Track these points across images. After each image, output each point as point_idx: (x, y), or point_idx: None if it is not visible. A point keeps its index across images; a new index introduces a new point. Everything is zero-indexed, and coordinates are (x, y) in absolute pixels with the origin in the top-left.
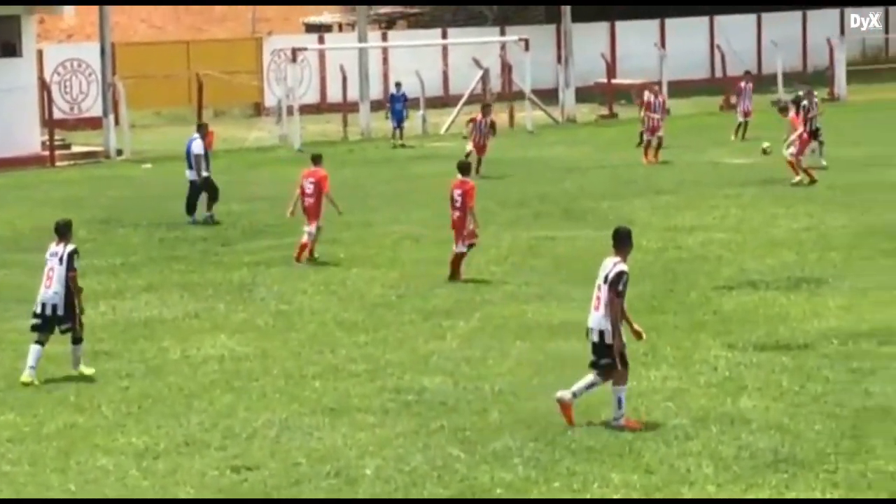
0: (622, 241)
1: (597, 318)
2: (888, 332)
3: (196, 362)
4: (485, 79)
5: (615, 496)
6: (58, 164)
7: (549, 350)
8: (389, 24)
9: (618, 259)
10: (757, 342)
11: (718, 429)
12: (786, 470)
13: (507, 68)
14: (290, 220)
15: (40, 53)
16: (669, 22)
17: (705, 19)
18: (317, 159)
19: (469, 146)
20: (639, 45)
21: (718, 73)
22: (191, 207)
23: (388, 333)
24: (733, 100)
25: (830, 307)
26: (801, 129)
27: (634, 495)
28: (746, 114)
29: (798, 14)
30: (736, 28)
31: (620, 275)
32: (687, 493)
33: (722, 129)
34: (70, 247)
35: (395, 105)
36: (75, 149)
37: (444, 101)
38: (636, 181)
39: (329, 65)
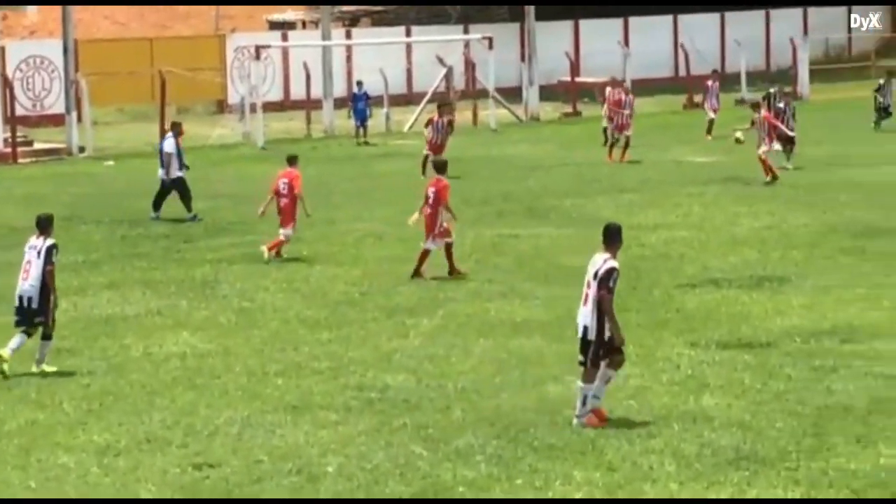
0: (612, 238)
1: (583, 313)
2: (850, 331)
3: (158, 359)
4: (448, 77)
5: (577, 494)
6: (20, 161)
7: (511, 348)
8: (353, 21)
9: (608, 255)
10: (719, 340)
11: (681, 426)
12: (747, 467)
13: (470, 66)
14: (257, 218)
15: (3, 50)
16: (633, 21)
17: (669, 18)
18: (292, 160)
19: (426, 150)
20: (602, 44)
21: (682, 72)
22: (157, 204)
23: (351, 331)
24: (697, 98)
25: (793, 305)
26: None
27: (597, 493)
28: (713, 111)
29: (761, 13)
30: (699, 27)
31: (611, 271)
32: (649, 491)
33: (685, 127)
34: (49, 241)
35: (357, 104)
36: (38, 146)
37: (407, 99)
38: (600, 179)
39: (293, 62)
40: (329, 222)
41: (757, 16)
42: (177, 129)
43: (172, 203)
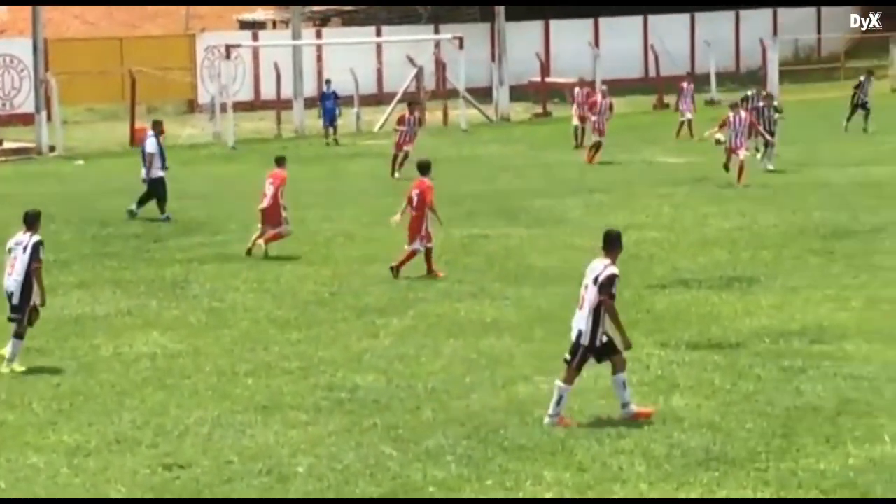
0: (612, 244)
1: (579, 317)
2: (818, 331)
3: (128, 360)
4: (419, 77)
5: (547, 494)
6: None
7: (481, 348)
8: (324, 21)
9: (608, 261)
10: (689, 341)
11: (650, 427)
12: (717, 468)
13: (440, 66)
14: (223, 217)
15: None
16: (603, 21)
17: (639, 19)
18: (280, 161)
19: (394, 149)
20: (573, 45)
21: (652, 73)
22: (142, 201)
23: (321, 331)
24: (667, 99)
25: (762, 306)
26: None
27: (567, 493)
28: (684, 112)
29: (731, 14)
30: (669, 28)
31: (612, 277)
32: (619, 492)
33: (656, 127)
34: (36, 237)
35: (326, 103)
36: (7, 145)
37: (378, 99)
38: (570, 180)
39: (263, 62)
40: (299, 222)
41: (727, 17)
42: (158, 129)
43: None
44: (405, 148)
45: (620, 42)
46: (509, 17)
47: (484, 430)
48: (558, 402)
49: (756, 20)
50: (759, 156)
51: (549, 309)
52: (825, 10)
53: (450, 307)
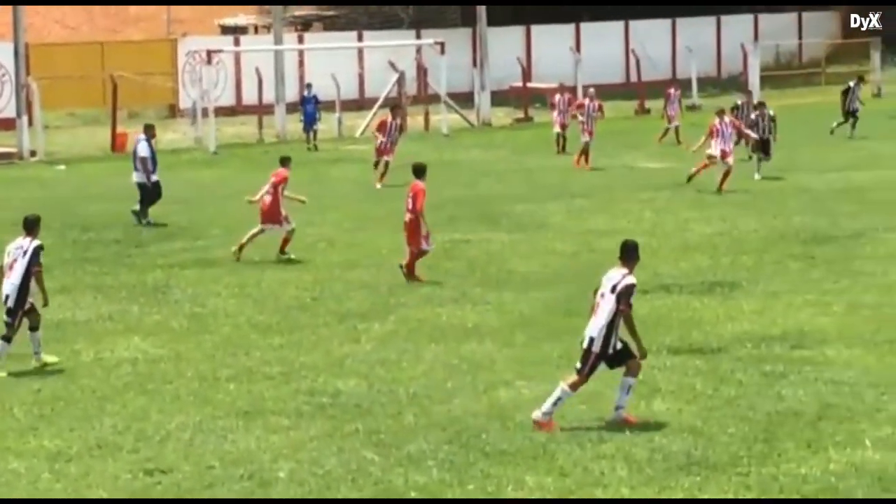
0: (629, 254)
1: (592, 325)
2: (800, 336)
3: (109, 365)
4: (400, 82)
5: (529, 499)
6: None
7: (463, 353)
8: (305, 26)
9: (626, 271)
10: (671, 346)
11: (632, 431)
12: (699, 473)
13: (422, 71)
14: (205, 222)
15: None
16: (585, 27)
17: (620, 24)
18: (284, 160)
19: (375, 157)
20: (554, 50)
21: (633, 78)
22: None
23: (302, 336)
24: (648, 104)
25: (743, 311)
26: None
27: (549, 498)
28: (671, 119)
29: (712, 20)
30: (651, 33)
31: (631, 287)
32: (600, 496)
33: (637, 133)
34: (36, 242)
35: (307, 107)
36: None
37: (359, 104)
38: (551, 185)
39: (244, 67)
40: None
41: (708, 22)
42: (150, 133)
43: (127, 206)
44: (385, 158)
45: (602, 47)
46: (491, 23)
47: (465, 434)
48: (555, 403)
49: (737, 25)
50: (755, 162)
51: (531, 314)
52: (806, 15)
53: (431, 312)
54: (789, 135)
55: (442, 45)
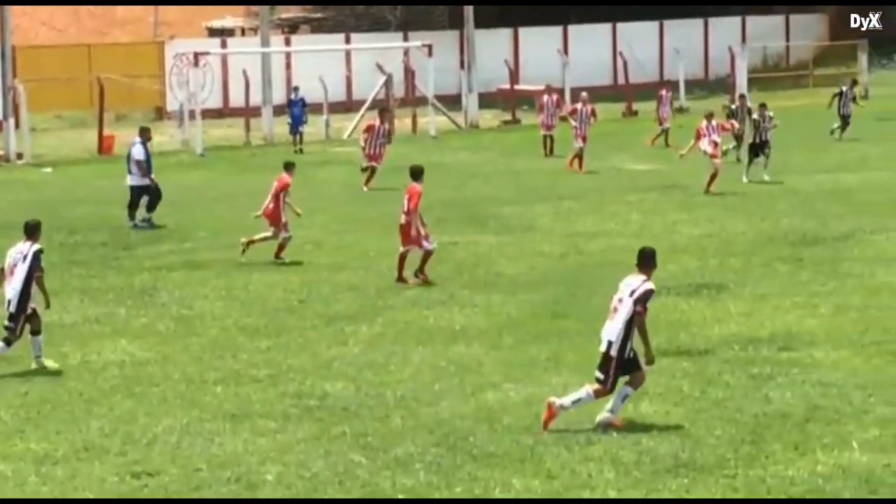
0: (647, 261)
1: (609, 328)
2: (787, 338)
3: (96, 368)
4: (388, 84)
5: (517, 500)
6: None
7: (450, 355)
8: (292, 28)
9: (644, 277)
10: (658, 347)
11: (619, 434)
12: (686, 475)
13: (409, 73)
14: (192, 225)
15: None
16: (572, 29)
17: (608, 26)
18: (287, 166)
19: (364, 162)
20: (542, 52)
21: (621, 80)
22: (150, 207)
23: (290, 339)
24: (635, 106)
25: (731, 313)
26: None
27: (536, 499)
28: (663, 121)
29: (700, 22)
30: (638, 35)
31: (649, 292)
32: (588, 498)
33: (625, 135)
34: (36, 246)
35: (293, 109)
36: None
37: (347, 107)
38: (539, 187)
39: (232, 69)
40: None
41: (696, 24)
42: (146, 135)
43: (114, 209)
44: (372, 163)
45: (589, 49)
46: (478, 25)
47: (453, 437)
48: (575, 402)
49: (725, 28)
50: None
51: (518, 316)
52: (794, 17)
53: (419, 314)
54: (777, 137)
55: (429, 47)
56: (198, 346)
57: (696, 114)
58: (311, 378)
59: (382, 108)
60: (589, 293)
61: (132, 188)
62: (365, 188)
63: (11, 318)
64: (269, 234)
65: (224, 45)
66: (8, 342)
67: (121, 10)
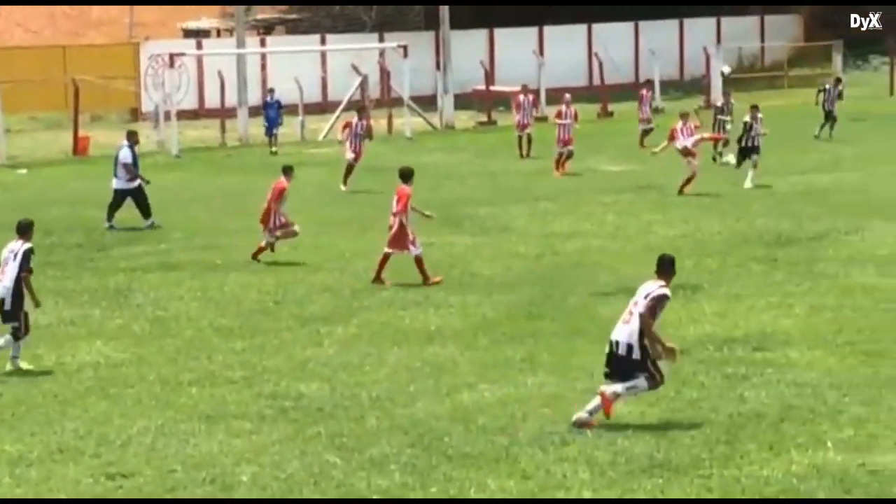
0: (666, 268)
1: (622, 330)
2: (762, 338)
3: (71, 369)
4: (363, 85)
5: (492, 500)
6: None
7: (425, 356)
8: (268, 30)
9: (662, 283)
10: None
11: (595, 434)
12: (661, 475)
13: (385, 75)
14: (167, 226)
15: None
16: (548, 30)
17: (583, 27)
18: (285, 170)
19: (349, 154)
20: (517, 53)
21: (596, 81)
22: (146, 212)
23: (265, 340)
24: (610, 107)
25: (706, 313)
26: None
27: (511, 499)
28: (648, 121)
29: (675, 23)
30: (614, 36)
31: (664, 297)
32: (563, 498)
33: (600, 135)
34: (27, 245)
35: (269, 112)
36: None
37: (322, 108)
38: (515, 188)
39: (207, 70)
40: (243, 231)
41: (671, 25)
42: (133, 139)
43: (89, 210)
44: (349, 157)
45: (565, 50)
46: (454, 26)
47: (428, 438)
48: (630, 388)
49: (700, 29)
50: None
51: (494, 317)
52: (769, 18)
53: (394, 315)
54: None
55: (405, 48)
56: (173, 348)
57: (672, 114)
58: (286, 379)
59: (360, 106)
60: (564, 294)
61: (116, 191)
62: (343, 187)
63: (8, 316)
64: (278, 234)
65: (199, 46)
66: (17, 338)
67: (96, 12)
